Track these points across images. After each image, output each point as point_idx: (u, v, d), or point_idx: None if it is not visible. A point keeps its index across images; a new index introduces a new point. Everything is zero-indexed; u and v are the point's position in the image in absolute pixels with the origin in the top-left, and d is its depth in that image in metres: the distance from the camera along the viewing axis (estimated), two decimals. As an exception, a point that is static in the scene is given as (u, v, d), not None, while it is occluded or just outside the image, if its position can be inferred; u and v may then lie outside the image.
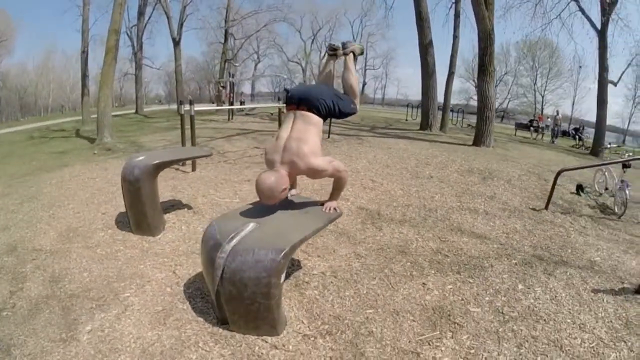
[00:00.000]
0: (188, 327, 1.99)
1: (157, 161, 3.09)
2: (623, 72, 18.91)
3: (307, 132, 2.12)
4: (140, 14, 20.65)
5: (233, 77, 20.28)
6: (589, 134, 15.35)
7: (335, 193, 2.38)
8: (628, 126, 33.30)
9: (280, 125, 7.89)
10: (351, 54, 2.61)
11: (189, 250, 2.91)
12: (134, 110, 21.41)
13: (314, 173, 2.15)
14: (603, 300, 2.44)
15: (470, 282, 2.60)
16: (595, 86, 12.98)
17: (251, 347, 1.84)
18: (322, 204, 2.39)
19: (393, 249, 3.06)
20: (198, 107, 5.95)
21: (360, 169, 5.59)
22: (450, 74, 13.22)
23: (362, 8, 25.58)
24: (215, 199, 4.19)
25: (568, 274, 2.77)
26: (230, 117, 13.47)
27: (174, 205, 3.88)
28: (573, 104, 33.73)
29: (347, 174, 2.30)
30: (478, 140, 8.70)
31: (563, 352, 1.95)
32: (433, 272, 2.73)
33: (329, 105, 2.24)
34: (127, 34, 21.91)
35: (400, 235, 3.36)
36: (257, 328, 1.86)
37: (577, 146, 15.11)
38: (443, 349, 1.94)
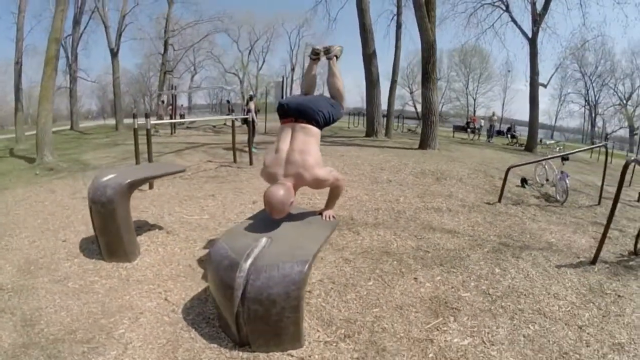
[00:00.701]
0: (203, 356, 1.88)
1: (130, 179, 2.87)
2: (552, 75, 21.84)
3: (309, 144, 2.17)
4: (76, 22, 18.86)
5: (175, 89, 19.32)
6: (521, 132, 17.30)
7: (332, 201, 2.44)
8: (555, 122, 38.31)
9: (247, 136, 7.75)
10: (334, 58, 2.64)
11: (174, 273, 2.75)
12: (68, 127, 19.54)
13: (318, 184, 2.19)
14: (567, 273, 2.86)
15: (454, 272, 2.83)
16: (527, 88, 14.63)
17: (278, 364, 1.82)
18: (319, 213, 2.44)
19: (377, 251, 3.20)
20: (153, 122, 5.60)
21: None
22: (393, 82, 14.08)
23: (302, 19, 26.13)
24: (184, 217, 4.00)
25: (532, 255, 3.17)
26: (173, 130, 12.82)
27: (142, 227, 3.62)
28: (503, 105, 37.74)
29: (344, 183, 2.39)
30: (424, 144, 9.37)
31: (547, 317, 2.27)
32: (419, 267, 2.92)
33: (326, 116, 2.31)
34: (62, 45, 19.82)
35: (379, 237, 3.52)
36: (282, 343, 1.82)
37: (512, 144, 16.94)
38: (450, 332, 2.11)
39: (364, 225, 3.83)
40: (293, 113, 2.25)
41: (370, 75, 11.46)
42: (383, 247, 3.29)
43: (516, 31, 14.75)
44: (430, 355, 1.91)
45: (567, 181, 5.11)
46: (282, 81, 13.37)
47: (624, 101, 31.50)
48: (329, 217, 2.38)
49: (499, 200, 4.81)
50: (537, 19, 13.52)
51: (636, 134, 25.17)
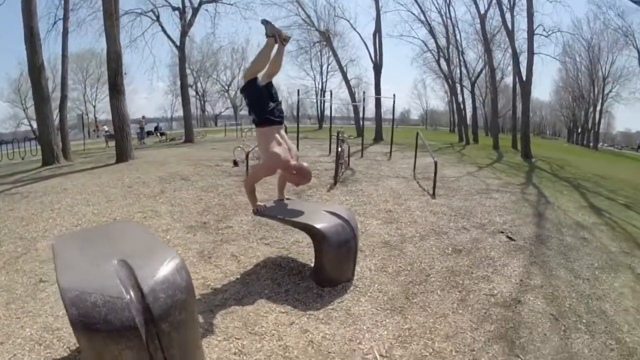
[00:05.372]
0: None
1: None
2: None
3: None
4: None
5: None
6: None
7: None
8: (172, 114, 43.64)
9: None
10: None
11: None
12: None
13: None
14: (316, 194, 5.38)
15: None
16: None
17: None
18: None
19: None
20: None
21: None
22: (64, 97, 12.09)
23: None
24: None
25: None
26: None
27: None
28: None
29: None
30: (124, 156, 9.24)
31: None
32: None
33: None
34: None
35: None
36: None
37: (163, 140, 18.83)
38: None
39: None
40: (281, 121, 3.15)
41: (41, 90, 9.19)
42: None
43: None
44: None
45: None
46: None
47: (227, 87, 42.48)
48: None
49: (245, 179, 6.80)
50: (185, 30, 15.87)
51: (240, 110, 35.20)
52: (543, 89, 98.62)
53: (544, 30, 19.06)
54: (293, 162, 3.12)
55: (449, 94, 41.85)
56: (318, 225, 3.01)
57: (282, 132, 3.21)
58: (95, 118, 36.05)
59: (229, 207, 5.35)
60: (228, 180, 6.85)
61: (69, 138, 12.40)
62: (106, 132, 18.85)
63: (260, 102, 3.06)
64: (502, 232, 4.80)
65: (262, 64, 3.14)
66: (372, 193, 6.34)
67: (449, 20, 23.68)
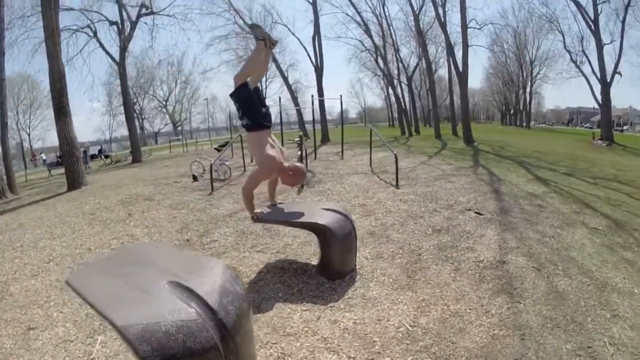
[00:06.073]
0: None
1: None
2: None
3: None
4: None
5: None
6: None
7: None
8: (111, 135, 40.93)
9: None
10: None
11: None
12: None
13: None
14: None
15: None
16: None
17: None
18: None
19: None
20: None
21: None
22: (4, 124, 11.01)
23: None
24: None
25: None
26: None
27: None
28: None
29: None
30: (76, 183, 8.59)
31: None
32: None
33: None
34: None
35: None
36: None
37: (108, 163, 17.89)
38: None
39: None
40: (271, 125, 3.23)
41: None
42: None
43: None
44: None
45: (227, 163, 7.87)
46: None
47: (164, 102, 40.57)
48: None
49: (211, 192, 6.79)
50: (125, 45, 15.03)
51: (179, 126, 33.72)
52: (474, 77, 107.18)
53: (477, 23, 20.96)
54: (286, 164, 3.21)
55: (385, 91, 44.07)
56: (324, 222, 3.15)
57: (272, 135, 3.30)
58: (31, 146, 32.72)
59: (207, 222, 5.26)
60: (195, 196, 6.71)
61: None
62: (44, 160, 17.48)
63: (255, 106, 3.10)
64: (470, 210, 5.30)
65: (254, 67, 3.20)
66: (341, 190, 6.59)
67: (383, 20, 24.99)
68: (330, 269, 3.35)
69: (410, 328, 2.50)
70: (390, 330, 2.49)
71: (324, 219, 3.22)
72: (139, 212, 5.87)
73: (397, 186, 6.68)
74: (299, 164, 3.32)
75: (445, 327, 2.54)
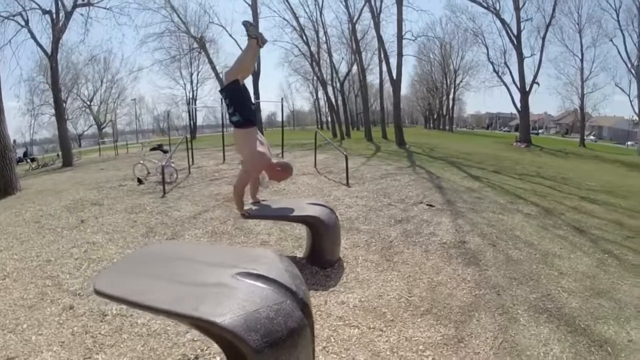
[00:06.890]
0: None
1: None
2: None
3: None
4: None
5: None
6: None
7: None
8: (32, 137, 36.80)
9: None
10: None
11: None
12: None
13: None
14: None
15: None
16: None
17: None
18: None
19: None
20: None
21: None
22: None
23: None
24: None
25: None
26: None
27: None
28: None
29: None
30: (10, 188, 7.53)
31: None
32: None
33: None
34: None
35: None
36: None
37: (35, 167, 16.39)
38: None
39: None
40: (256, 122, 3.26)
41: None
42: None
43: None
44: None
45: (173, 165, 7.64)
46: None
47: (88, 103, 36.56)
48: None
49: (164, 195, 6.56)
50: (59, 36, 13.64)
51: (104, 128, 30.76)
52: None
53: (412, 35, 22.73)
54: (275, 160, 3.37)
55: (314, 95, 45.26)
56: (316, 215, 3.41)
57: (259, 133, 3.46)
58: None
59: (172, 225, 5.13)
60: (148, 198, 6.44)
61: None
62: None
63: (246, 103, 3.19)
64: (421, 203, 5.97)
65: (246, 64, 3.28)
66: (296, 190, 6.88)
67: (319, 27, 25.81)
68: (322, 258, 3.61)
69: (409, 298, 2.90)
70: (393, 302, 2.85)
71: (314, 212, 3.48)
72: (92, 218, 5.45)
73: (348, 184, 7.16)
74: (285, 160, 3.54)
75: (436, 293, 3.00)
